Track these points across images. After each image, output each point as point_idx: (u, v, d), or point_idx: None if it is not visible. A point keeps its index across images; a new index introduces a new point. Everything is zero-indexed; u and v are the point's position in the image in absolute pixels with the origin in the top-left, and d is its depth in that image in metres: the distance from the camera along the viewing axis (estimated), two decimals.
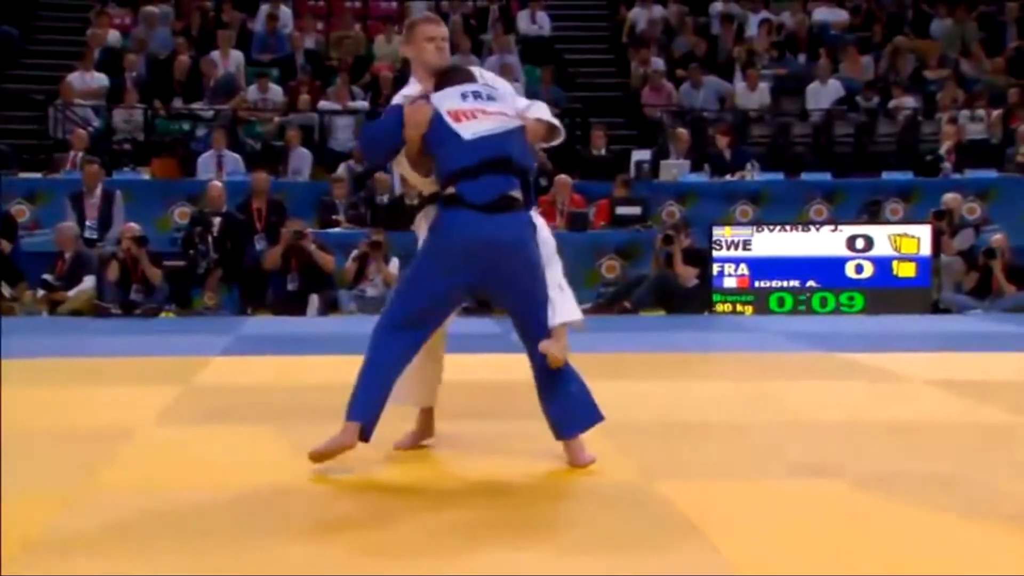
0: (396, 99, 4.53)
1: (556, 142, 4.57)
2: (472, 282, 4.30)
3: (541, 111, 4.52)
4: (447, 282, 4.25)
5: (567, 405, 4.37)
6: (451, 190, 4.23)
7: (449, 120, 4.23)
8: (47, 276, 11.25)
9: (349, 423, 4.21)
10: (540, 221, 4.46)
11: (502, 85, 4.59)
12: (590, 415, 4.41)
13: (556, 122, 4.50)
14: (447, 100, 4.29)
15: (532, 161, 4.42)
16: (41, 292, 11.24)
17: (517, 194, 4.28)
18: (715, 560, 3.26)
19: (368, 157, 5.27)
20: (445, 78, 4.40)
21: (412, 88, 4.53)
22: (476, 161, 4.19)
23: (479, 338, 8.20)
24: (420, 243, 4.44)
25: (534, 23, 17.28)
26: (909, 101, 15.46)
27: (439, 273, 4.23)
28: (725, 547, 3.36)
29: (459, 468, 4.47)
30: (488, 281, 4.30)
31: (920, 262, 11.45)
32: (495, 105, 4.32)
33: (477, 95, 4.31)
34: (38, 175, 13.32)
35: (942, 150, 14.33)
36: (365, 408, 4.22)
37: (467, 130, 4.22)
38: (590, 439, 4.42)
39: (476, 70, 4.63)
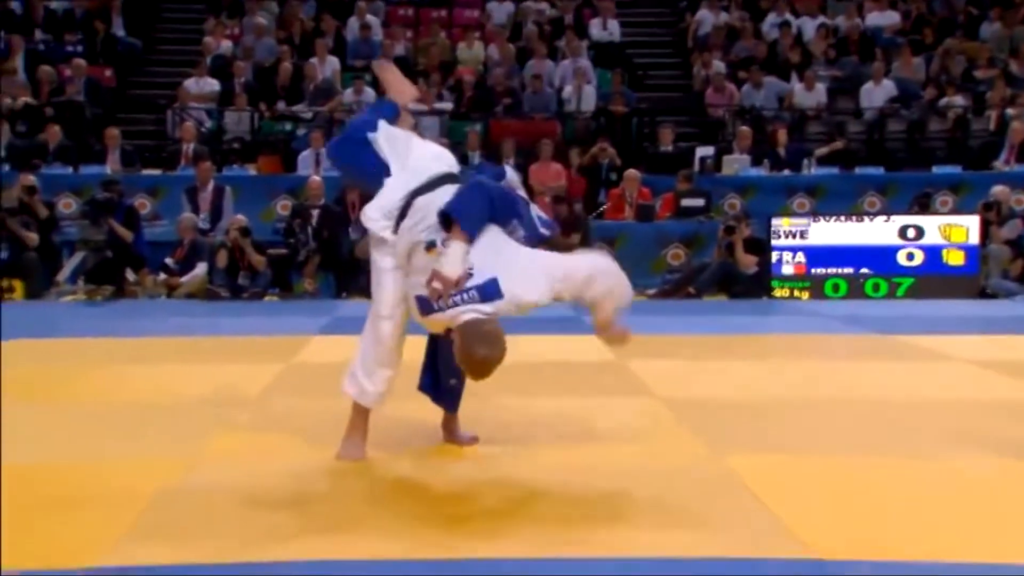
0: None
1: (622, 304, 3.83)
2: None
3: (599, 287, 3.70)
4: None
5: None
6: None
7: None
8: (168, 260, 11.48)
9: None
10: None
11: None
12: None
13: (617, 289, 3.77)
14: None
15: None
16: (161, 276, 11.46)
17: None
18: (789, 543, 3.11)
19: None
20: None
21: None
22: None
23: (550, 321, 8.12)
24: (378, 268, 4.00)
25: (605, 29, 17.15)
26: (959, 100, 15.07)
27: None
28: (797, 526, 3.23)
29: (526, 447, 4.44)
30: None
31: (968, 250, 11.19)
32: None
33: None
34: (158, 172, 13.55)
35: (1007, 146, 13.84)
36: None
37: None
38: (656, 413, 4.32)
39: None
